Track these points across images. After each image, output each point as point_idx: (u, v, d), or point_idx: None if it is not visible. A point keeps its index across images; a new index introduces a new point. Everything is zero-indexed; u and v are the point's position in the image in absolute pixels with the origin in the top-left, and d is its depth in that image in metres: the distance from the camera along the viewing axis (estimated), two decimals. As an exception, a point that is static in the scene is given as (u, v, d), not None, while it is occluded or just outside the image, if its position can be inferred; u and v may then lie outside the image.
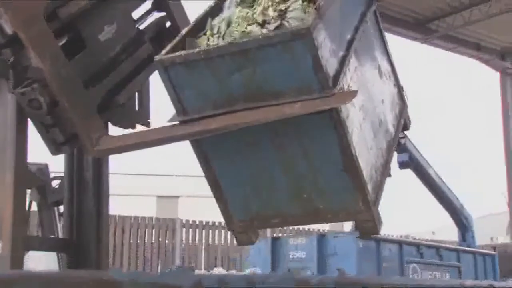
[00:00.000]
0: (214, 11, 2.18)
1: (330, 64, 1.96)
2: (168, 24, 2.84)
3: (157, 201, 20.89)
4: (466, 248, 9.65)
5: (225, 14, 2.10)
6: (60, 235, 3.72)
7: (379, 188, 2.29)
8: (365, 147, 2.21)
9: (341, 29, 2.17)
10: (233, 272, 6.43)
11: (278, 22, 1.89)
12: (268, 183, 2.14)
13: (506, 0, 12.13)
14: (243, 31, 1.93)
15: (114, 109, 2.48)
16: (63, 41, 2.32)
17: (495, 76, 14.84)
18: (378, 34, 2.61)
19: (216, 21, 2.12)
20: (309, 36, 1.81)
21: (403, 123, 2.79)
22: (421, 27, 13.14)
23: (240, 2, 2.13)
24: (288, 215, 2.24)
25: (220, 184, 2.19)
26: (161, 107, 3.15)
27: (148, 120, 2.73)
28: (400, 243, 8.26)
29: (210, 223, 12.45)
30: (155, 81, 2.86)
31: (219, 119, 1.94)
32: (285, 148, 2.00)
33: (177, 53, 1.97)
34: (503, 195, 15.13)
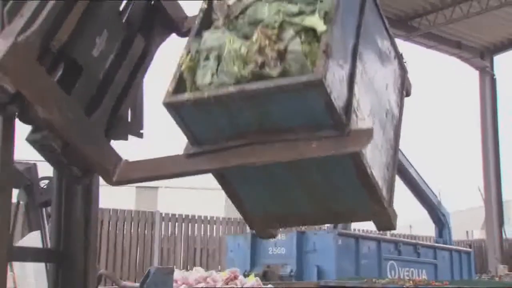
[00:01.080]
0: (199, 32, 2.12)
1: (341, 97, 1.95)
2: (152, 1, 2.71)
3: (136, 192, 20.87)
4: (443, 246, 9.92)
5: (211, 39, 2.05)
6: (48, 237, 3.73)
7: (392, 185, 2.32)
8: (377, 154, 2.23)
9: (345, 41, 2.11)
10: (213, 272, 6.53)
11: (279, 68, 1.86)
12: (283, 190, 2.18)
13: (487, 0, 12.40)
14: (242, 74, 1.91)
15: (118, 124, 2.47)
16: (60, 73, 2.27)
17: (475, 74, 15.16)
18: (375, 11, 2.46)
19: (202, 45, 2.06)
20: (321, 86, 1.80)
21: (405, 94, 2.70)
22: (403, 25, 13.34)
23: (229, 27, 2.06)
24: (305, 215, 2.31)
25: (238, 192, 2.21)
26: (153, 117, 3.15)
27: (141, 131, 2.70)
28: (378, 240, 8.47)
29: (189, 216, 12.56)
30: (147, 89, 2.85)
31: (237, 155, 1.97)
32: (299, 163, 2.01)
33: (185, 97, 1.96)
34: (479, 190, 15.53)
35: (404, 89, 2.71)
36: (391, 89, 2.59)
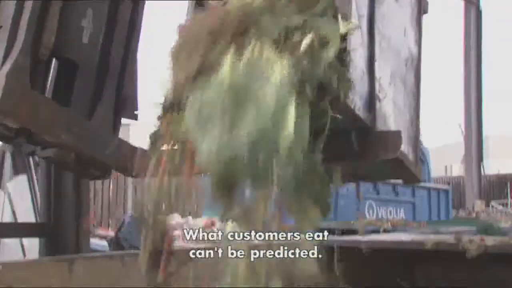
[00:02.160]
0: None
1: (363, 96, 1.96)
2: None
3: (106, 130, 20.70)
4: (421, 185, 10.14)
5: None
6: (36, 183, 3.78)
7: (416, 140, 2.37)
8: (401, 117, 2.25)
9: (359, 18, 1.99)
10: (189, 218, 6.60)
11: None
12: None
13: None
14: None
15: (125, 103, 2.49)
16: (54, 77, 2.24)
17: (459, 5, 15.00)
18: None
19: None
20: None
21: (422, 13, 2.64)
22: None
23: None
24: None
25: None
26: (148, 98, 3.06)
27: (136, 113, 2.66)
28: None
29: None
30: (141, 70, 2.74)
31: None
32: None
33: None
34: (459, 126, 15.80)
35: (422, 12, 2.63)
36: (410, 29, 2.52)
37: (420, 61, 2.56)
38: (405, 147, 2.16)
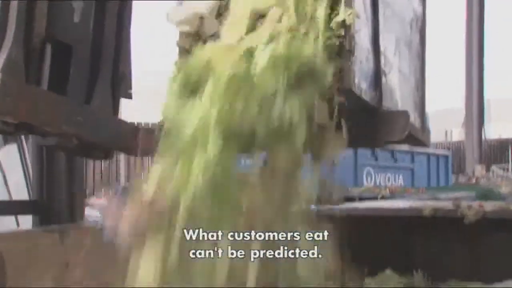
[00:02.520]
0: None
1: (369, 77, 1.94)
2: None
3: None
4: (420, 150, 10.15)
5: None
6: (26, 151, 3.80)
7: (423, 105, 2.37)
8: (406, 83, 2.23)
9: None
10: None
11: None
12: None
13: None
14: None
15: (122, 82, 2.48)
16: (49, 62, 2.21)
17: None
18: None
19: None
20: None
21: None
22: None
23: None
24: None
25: None
26: (143, 76, 3.02)
27: (130, 91, 2.61)
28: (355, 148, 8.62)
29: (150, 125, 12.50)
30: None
31: None
32: None
33: None
34: (461, 89, 15.73)
35: None
36: None
37: (425, 19, 2.52)
38: (411, 114, 2.13)
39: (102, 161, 11.60)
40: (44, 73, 2.22)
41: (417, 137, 2.23)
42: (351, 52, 1.82)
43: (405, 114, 1.99)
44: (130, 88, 2.65)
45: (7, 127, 2.06)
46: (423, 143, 2.36)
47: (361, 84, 1.87)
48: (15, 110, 1.99)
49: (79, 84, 2.32)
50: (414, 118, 2.21)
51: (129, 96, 2.63)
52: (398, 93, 2.11)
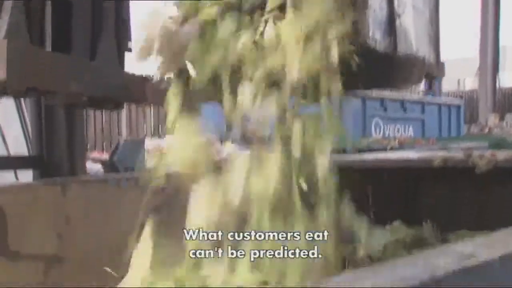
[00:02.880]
0: None
1: (382, 24, 1.89)
2: None
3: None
4: (431, 100, 10.06)
5: None
6: (24, 108, 3.82)
7: (437, 38, 2.32)
8: (420, 17, 2.16)
9: None
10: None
11: None
12: None
13: None
14: None
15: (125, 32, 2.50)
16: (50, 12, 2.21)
17: None
18: None
19: None
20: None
21: None
22: None
23: None
24: None
25: None
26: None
27: (129, 44, 2.61)
28: (363, 98, 8.53)
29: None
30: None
31: None
32: None
33: None
34: (475, 37, 15.45)
35: None
36: None
37: None
38: (425, 49, 2.11)
39: (103, 115, 11.59)
40: (46, 32, 2.22)
41: (431, 73, 2.22)
42: (365, 2, 1.78)
43: (421, 60, 1.98)
44: (130, 39, 2.64)
45: (17, 92, 2.12)
46: (433, 76, 2.35)
47: (375, 34, 1.84)
48: (24, 76, 2.01)
49: (83, 39, 2.32)
50: (429, 52, 2.20)
51: (129, 49, 2.63)
52: (412, 33, 2.08)
